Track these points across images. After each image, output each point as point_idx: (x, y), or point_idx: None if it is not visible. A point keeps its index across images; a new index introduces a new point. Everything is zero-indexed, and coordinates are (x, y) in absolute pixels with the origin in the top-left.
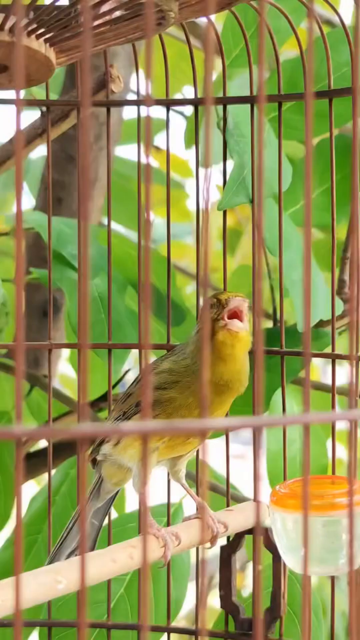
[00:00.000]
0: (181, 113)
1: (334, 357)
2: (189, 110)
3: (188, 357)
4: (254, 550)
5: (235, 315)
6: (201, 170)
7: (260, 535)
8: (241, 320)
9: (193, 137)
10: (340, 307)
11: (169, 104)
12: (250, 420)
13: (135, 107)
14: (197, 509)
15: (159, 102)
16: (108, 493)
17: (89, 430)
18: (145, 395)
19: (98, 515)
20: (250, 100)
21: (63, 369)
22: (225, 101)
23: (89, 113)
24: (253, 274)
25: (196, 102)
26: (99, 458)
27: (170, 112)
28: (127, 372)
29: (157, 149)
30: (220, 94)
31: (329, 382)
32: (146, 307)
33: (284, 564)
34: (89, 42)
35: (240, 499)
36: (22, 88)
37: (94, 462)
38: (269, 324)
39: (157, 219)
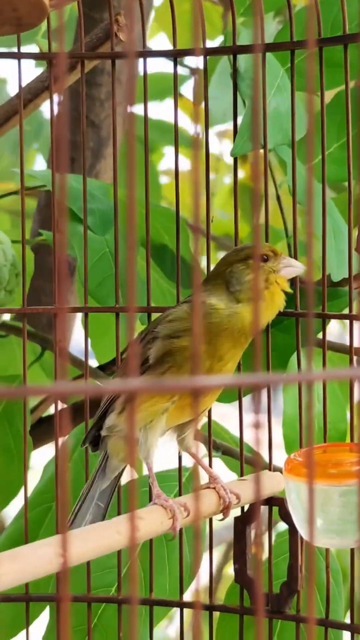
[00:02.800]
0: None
1: (351, 318)
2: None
3: (222, 299)
4: (270, 522)
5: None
6: (211, 122)
7: (260, 507)
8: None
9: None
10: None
11: (175, 54)
12: (247, 378)
13: (155, 63)
14: (209, 478)
15: (164, 54)
16: (114, 471)
17: (90, 389)
18: (132, 353)
19: (104, 497)
20: (262, 48)
21: (77, 337)
22: (235, 50)
23: (90, 65)
24: (266, 229)
25: (205, 53)
26: (103, 434)
27: (182, 66)
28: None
29: (182, 96)
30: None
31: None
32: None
33: (301, 536)
34: None
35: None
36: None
37: (95, 442)
38: None
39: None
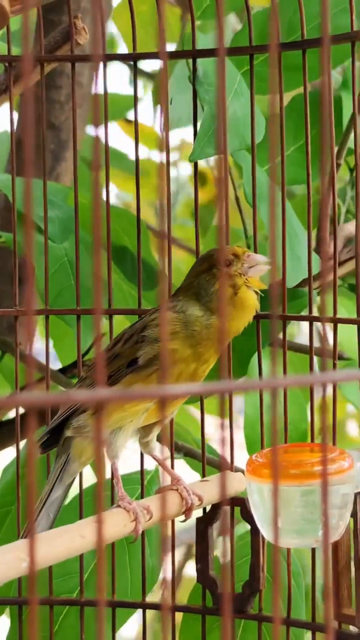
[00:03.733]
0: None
1: (311, 320)
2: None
3: (198, 309)
4: (232, 523)
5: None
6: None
7: (226, 507)
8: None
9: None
10: (319, 265)
11: (136, 58)
12: (212, 386)
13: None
14: (171, 480)
15: (125, 57)
16: (71, 476)
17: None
18: (99, 362)
19: (53, 507)
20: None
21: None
22: (195, 54)
23: (49, 68)
24: (220, 232)
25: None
26: (69, 434)
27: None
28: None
29: (128, 122)
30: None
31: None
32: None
33: (263, 536)
34: None
35: (219, 466)
36: None
37: (49, 443)
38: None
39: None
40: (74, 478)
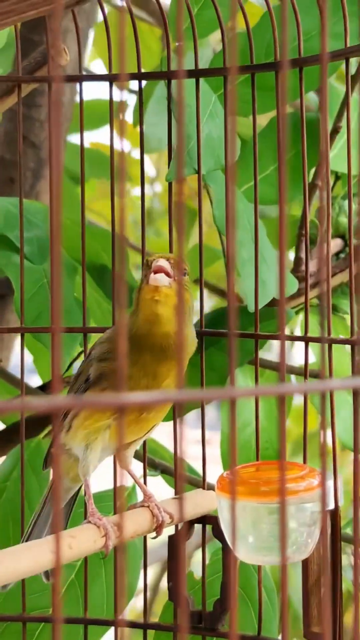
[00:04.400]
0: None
1: (282, 339)
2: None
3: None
4: (203, 540)
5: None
6: (146, 149)
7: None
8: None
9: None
10: (295, 285)
11: (111, 78)
12: (227, 392)
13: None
14: (143, 497)
15: (100, 78)
16: (67, 492)
17: (63, 402)
18: (55, 369)
19: (46, 525)
20: (196, 74)
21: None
22: (170, 75)
23: (28, 88)
24: (200, 252)
25: (139, 77)
26: (53, 451)
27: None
28: (79, 354)
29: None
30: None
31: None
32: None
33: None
34: None
35: (195, 483)
36: None
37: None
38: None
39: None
40: (74, 494)
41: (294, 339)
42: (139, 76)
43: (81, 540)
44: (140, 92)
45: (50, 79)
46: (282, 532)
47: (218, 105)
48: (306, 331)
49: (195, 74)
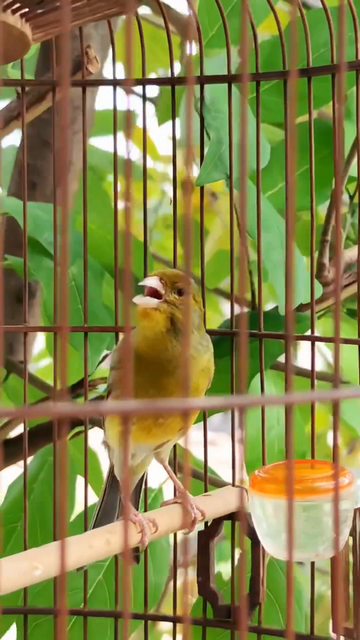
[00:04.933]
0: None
1: (313, 340)
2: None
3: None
4: (232, 536)
5: (150, 294)
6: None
7: (242, 521)
8: (158, 298)
9: (166, 114)
10: (319, 290)
11: (144, 83)
12: (234, 400)
13: (110, 93)
14: (174, 494)
15: (105, 83)
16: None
17: (65, 409)
18: (126, 374)
19: (112, 515)
20: (228, 79)
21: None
22: (202, 80)
23: (68, 91)
24: (231, 257)
25: (173, 82)
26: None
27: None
28: (105, 356)
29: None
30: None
31: (304, 366)
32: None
33: (263, 550)
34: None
35: (219, 484)
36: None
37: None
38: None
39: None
40: (137, 486)
41: (324, 340)
42: (172, 81)
43: (118, 537)
44: (172, 96)
45: (84, 83)
46: (288, 528)
47: (249, 110)
48: (337, 332)
49: (227, 78)
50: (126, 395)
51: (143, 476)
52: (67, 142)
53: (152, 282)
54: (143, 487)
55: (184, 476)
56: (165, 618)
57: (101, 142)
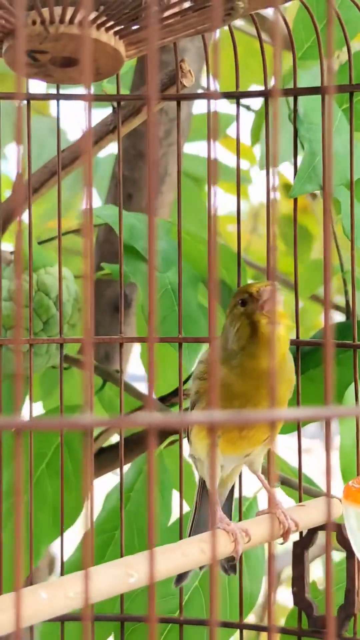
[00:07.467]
0: (247, 107)
1: None
2: (256, 105)
3: (224, 348)
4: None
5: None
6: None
7: (331, 531)
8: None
9: (259, 132)
10: None
11: (238, 96)
12: (321, 411)
13: (204, 103)
14: (268, 504)
15: (228, 95)
16: (219, 495)
17: (157, 420)
18: (214, 384)
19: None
20: (321, 91)
21: (133, 369)
22: (296, 92)
23: (157, 107)
24: (325, 265)
25: (266, 94)
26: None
27: (240, 106)
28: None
29: (227, 136)
30: (291, 86)
31: None
32: (212, 297)
33: (358, 561)
34: (156, 34)
35: (314, 494)
36: (91, 82)
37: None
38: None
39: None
40: (228, 496)
41: None
42: (265, 93)
43: (212, 546)
44: (266, 109)
45: (178, 97)
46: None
47: (344, 121)
48: None
49: (321, 90)
50: (213, 406)
51: (233, 486)
52: (157, 157)
53: (275, 291)
54: (236, 495)
55: (270, 482)
56: (258, 627)
57: (199, 148)
